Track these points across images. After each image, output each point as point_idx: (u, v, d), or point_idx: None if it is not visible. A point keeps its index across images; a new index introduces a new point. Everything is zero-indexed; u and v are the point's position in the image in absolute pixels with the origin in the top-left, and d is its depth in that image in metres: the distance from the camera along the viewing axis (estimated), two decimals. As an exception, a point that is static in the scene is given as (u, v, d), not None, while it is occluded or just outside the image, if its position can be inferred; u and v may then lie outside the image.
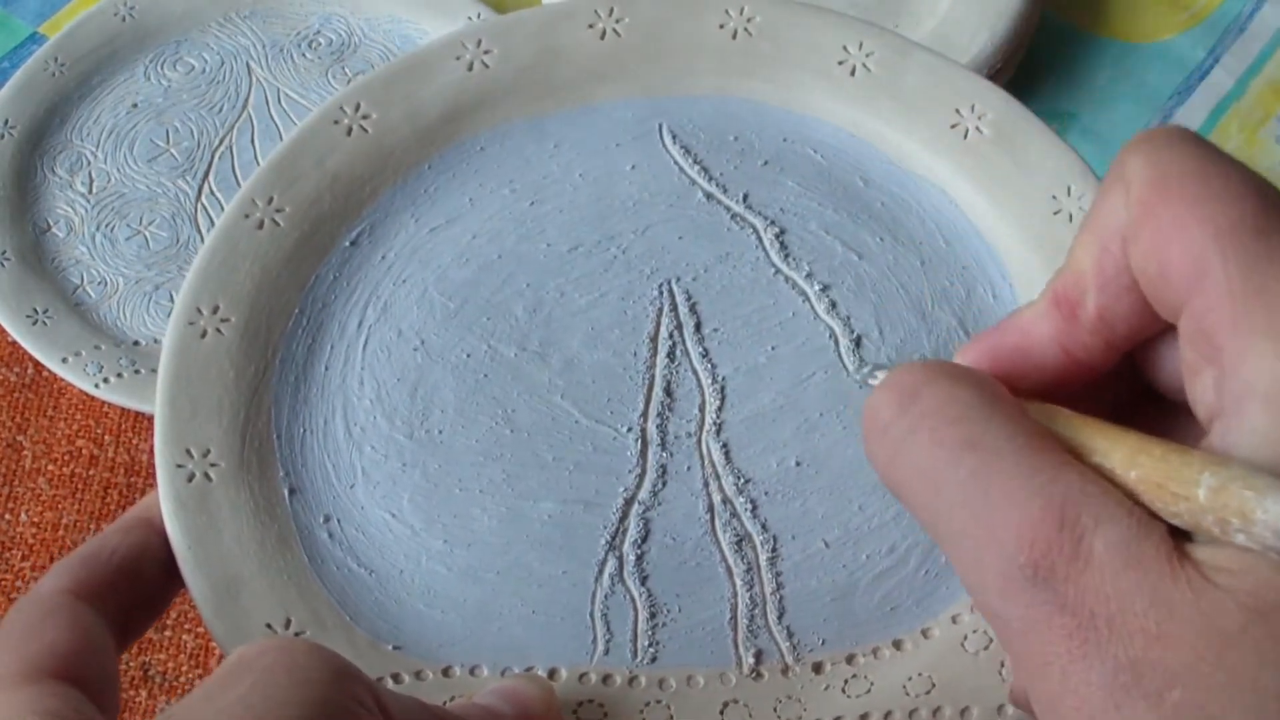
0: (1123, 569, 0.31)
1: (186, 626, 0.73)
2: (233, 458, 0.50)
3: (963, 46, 0.85)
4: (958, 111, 0.54)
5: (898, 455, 0.36)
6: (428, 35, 0.88)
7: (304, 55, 0.88)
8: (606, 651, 0.49)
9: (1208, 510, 0.31)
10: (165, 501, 0.48)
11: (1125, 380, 0.39)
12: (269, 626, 0.48)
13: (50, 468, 0.78)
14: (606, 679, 0.49)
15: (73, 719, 0.39)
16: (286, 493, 0.50)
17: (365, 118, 0.54)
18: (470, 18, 0.87)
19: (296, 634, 0.48)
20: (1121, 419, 0.37)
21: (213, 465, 0.49)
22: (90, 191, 0.84)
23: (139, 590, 0.47)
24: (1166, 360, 0.38)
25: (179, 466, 0.49)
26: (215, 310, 0.51)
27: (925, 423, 0.35)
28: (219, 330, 0.51)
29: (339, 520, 0.50)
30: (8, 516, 0.76)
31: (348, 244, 0.53)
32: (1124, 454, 0.34)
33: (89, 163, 0.85)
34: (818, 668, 0.49)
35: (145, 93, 0.88)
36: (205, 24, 0.90)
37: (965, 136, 0.54)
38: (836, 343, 0.52)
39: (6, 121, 0.85)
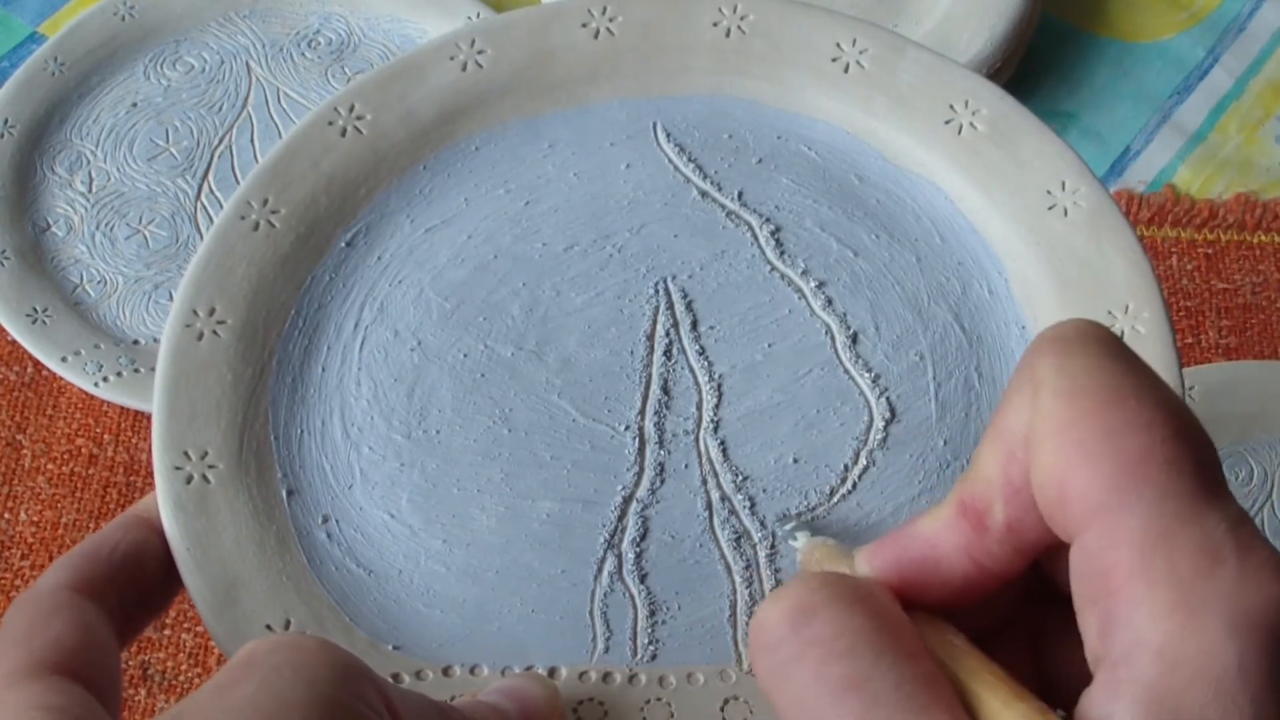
0: None
1: (186, 626, 0.73)
2: (231, 460, 0.50)
3: (962, 46, 0.85)
4: (952, 107, 0.54)
5: (782, 680, 0.34)
6: (427, 35, 0.88)
7: (304, 55, 0.89)
8: (606, 650, 0.49)
9: None
10: (164, 504, 0.48)
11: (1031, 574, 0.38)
12: (268, 628, 0.48)
13: (50, 467, 0.78)
14: (606, 677, 0.49)
15: (76, 715, 0.39)
16: (285, 494, 0.50)
17: (360, 119, 0.54)
18: (470, 17, 0.87)
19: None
20: (1027, 612, 0.38)
21: (211, 467, 0.49)
22: (90, 191, 0.84)
23: (140, 586, 0.47)
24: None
25: (177, 469, 0.49)
26: (212, 312, 0.51)
27: (813, 652, 0.34)
28: (216, 332, 0.51)
29: (337, 521, 0.50)
30: (7, 516, 0.76)
31: (343, 245, 0.53)
32: (998, 704, 0.33)
33: (89, 162, 0.85)
34: (817, 664, 0.49)
35: (145, 92, 0.88)
36: (205, 23, 0.90)
37: (960, 132, 0.54)
38: (833, 339, 0.52)
39: (6, 121, 0.85)
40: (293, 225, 0.52)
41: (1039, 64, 0.92)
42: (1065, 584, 0.35)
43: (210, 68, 0.88)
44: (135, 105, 0.87)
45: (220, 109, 0.87)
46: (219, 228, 0.52)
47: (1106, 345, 0.34)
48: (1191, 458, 0.32)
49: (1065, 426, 0.32)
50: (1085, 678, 0.33)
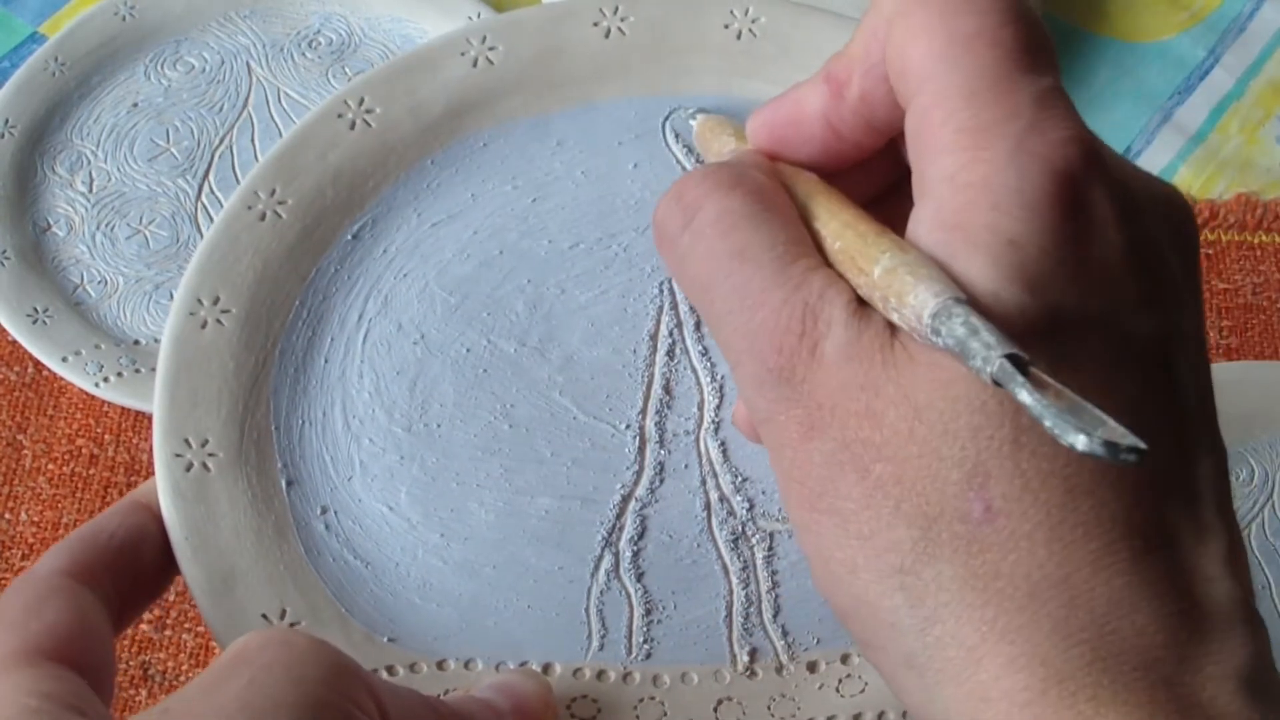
0: (844, 363, 0.36)
1: (186, 625, 0.73)
2: (231, 448, 0.50)
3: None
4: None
5: (684, 264, 0.41)
6: (428, 35, 0.88)
7: (304, 55, 0.89)
8: (601, 647, 0.49)
9: (876, 287, 0.35)
10: (163, 491, 0.48)
11: (895, 166, 0.43)
12: (264, 617, 0.48)
13: (50, 467, 0.78)
14: (601, 675, 0.49)
15: (71, 702, 0.39)
16: (284, 484, 0.50)
17: (369, 112, 0.54)
18: (470, 17, 0.87)
19: (292, 624, 0.48)
20: (886, 202, 0.43)
21: (211, 455, 0.49)
22: (90, 191, 0.84)
23: (136, 573, 0.47)
24: None
25: (177, 456, 0.49)
26: (216, 301, 0.51)
27: (704, 234, 0.40)
28: (219, 321, 0.51)
29: (336, 512, 0.50)
30: (8, 515, 0.76)
31: (349, 237, 0.53)
32: (836, 226, 0.39)
33: (89, 162, 0.85)
34: (812, 666, 0.49)
35: (145, 92, 0.88)
36: (205, 23, 0.90)
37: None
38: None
39: (7, 121, 0.85)
40: (299, 216, 0.52)
41: (1039, 63, 0.92)
42: None
43: (211, 68, 0.88)
44: (136, 105, 0.87)
45: (221, 109, 0.87)
46: (225, 217, 0.52)
47: None
48: (1019, 39, 0.36)
49: (916, 7, 0.37)
50: None
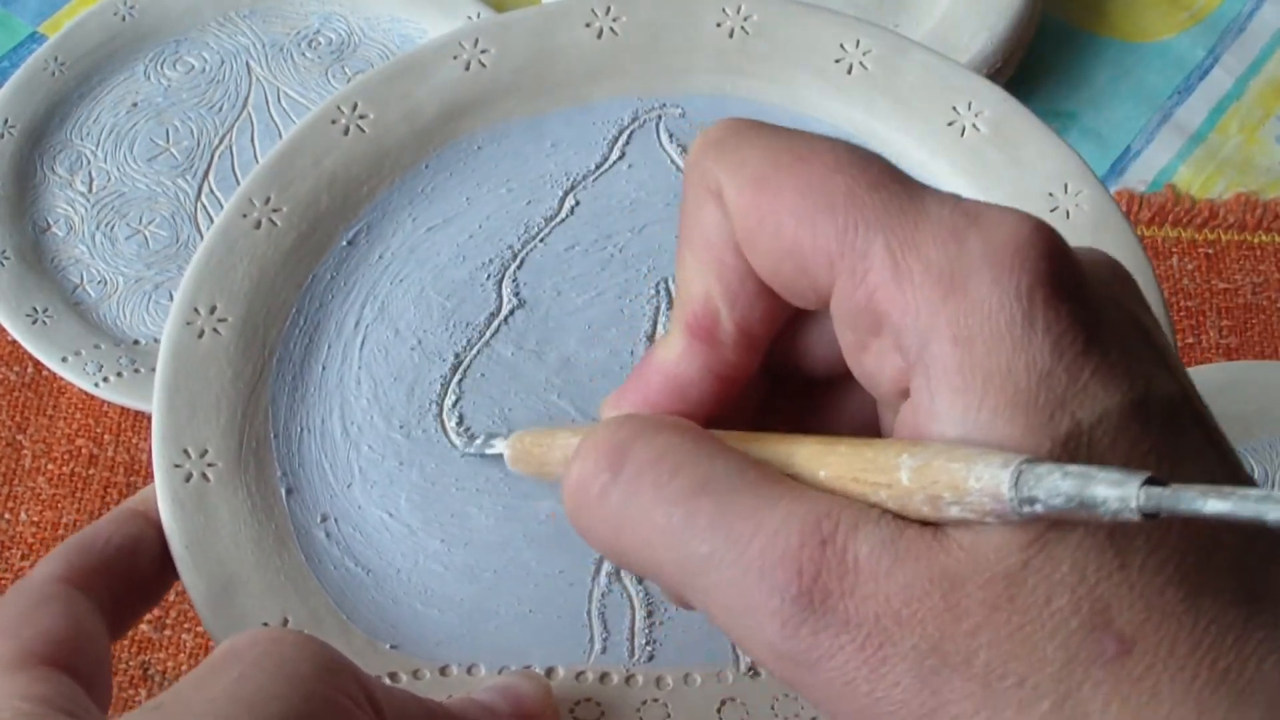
0: (895, 564, 0.31)
1: (186, 626, 0.73)
2: (230, 457, 0.50)
3: (963, 46, 0.85)
4: (954, 109, 0.54)
5: (623, 524, 0.34)
6: (427, 34, 0.88)
7: (304, 55, 0.89)
8: (604, 650, 0.49)
9: (911, 493, 0.31)
10: (163, 501, 0.48)
11: (758, 378, 0.39)
12: (266, 625, 0.48)
13: (50, 467, 0.78)
14: (603, 677, 0.49)
15: (64, 706, 0.39)
16: (284, 492, 0.50)
17: (362, 118, 0.54)
18: (470, 17, 0.87)
19: None
20: (767, 414, 0.39)
21: (210, 465, 0.49)
22: (90, 191, 0.84)
23: (134, 578, 0.47)
24: (813, 343, 0.38)
25: (176, 466, 0.49)
26: (213, 310, 0.51)
27: (644, 480, 0.34)
28: (216, 330, 0.51)
29: (336, 519, 0.50)
30: (7, 516, 0.76)
31: (345, 243, 0.53)
32: (807, 455, 0.33)
33: (89, 162, 0.85)
34: (815, 666, 0.49)
35: (145, 92, 0.88)
36: (205, 23, 0.90)
37: (962, 134, 0.54)
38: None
39: (6, 121, 0.85)
40: (294, 223, 0.52)
41: (1039, 64, 0.92)
42: (805, 362, 0.38)
43: (210, 68, 0.88)
44: (135, 105, 0.87)
45: (220, 109, 0.87)
46: (220, 225, 0.52)
47: (753, 126, 0.35)
48: (885, 173, 0.33)
49: (770, 209, 0.33)
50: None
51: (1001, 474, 0.29)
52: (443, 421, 0.51)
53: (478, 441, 0.50)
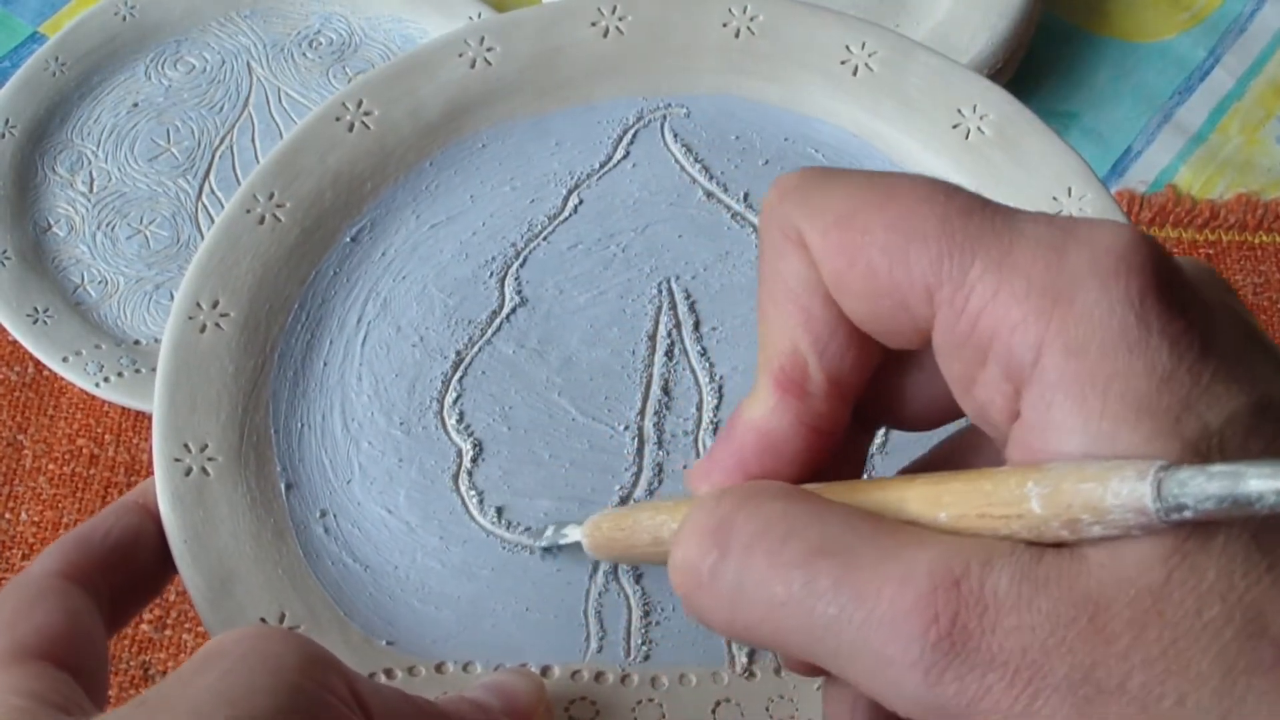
0: (1035, 595, 0.30)
1: (186, 626, 0.73)
2: (230, 452, 0.50)
3: (963, 46, 0.85)
4: (959, 112, 0.54)
5: (739, 600, 0.33)
6: (428, 35, 0.88)
7: (305, 55, 0.89)
8: (600, 649, 0.49)
9: (1045, 520, 0.30)
10: (162, 496, 0.48)
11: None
12: (263, 621, 0.48)
13: (50, 467, 0.78)
14: (599, 677, 0.49)
15: (57, 702, 0.39)
16: (283, 488, 0.50)
17: (367, 114, 0.54)
18: (471, 17, 0.87)
19: (291, 628, 0.48)
20: (845, 458, 0.38)
21: (210, 460, 0.49)
22: (91, 191, 0.84)
23: (132, 573, 0.47)
24: (909, 384, 0.37)
25: (176, 460, 0.49)
26: (215, 305, 0.51)
27: (756, 552, 0.33)
28: (219, 325, 0.51)
29: (335, 515, 0.50)
30: (8, 516, 0.76)
31: (348, 240, 0.53)
32: (919, 500, 0.32)
33: (90, 162, 0.85)
34: (811, 668, 0.49)
35: (146, 92, 0.88)
36: (205, 23, 0.90)
37: (967, 137, 0.54)
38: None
39: (7, 121, 0.85)
40: (298, 219, 0.52)
41: (1039, 64, 0.92)
42: (896, 405, 0.37)
43: (211, 68, 0.88)
44: (136, 105, 0.87)
45: (221, 109, 0.87)
46: (224, 220, 0.52)
47: (830, 171, 0.35)
48: (973, 200, 0.32)
49: (860, 248, 0.33)
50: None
51: (1141, 486, 0.28)
52: (443, 419, 0.51)
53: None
